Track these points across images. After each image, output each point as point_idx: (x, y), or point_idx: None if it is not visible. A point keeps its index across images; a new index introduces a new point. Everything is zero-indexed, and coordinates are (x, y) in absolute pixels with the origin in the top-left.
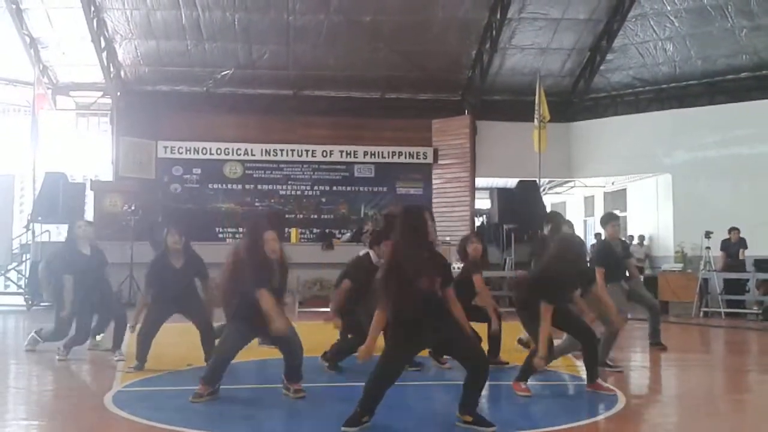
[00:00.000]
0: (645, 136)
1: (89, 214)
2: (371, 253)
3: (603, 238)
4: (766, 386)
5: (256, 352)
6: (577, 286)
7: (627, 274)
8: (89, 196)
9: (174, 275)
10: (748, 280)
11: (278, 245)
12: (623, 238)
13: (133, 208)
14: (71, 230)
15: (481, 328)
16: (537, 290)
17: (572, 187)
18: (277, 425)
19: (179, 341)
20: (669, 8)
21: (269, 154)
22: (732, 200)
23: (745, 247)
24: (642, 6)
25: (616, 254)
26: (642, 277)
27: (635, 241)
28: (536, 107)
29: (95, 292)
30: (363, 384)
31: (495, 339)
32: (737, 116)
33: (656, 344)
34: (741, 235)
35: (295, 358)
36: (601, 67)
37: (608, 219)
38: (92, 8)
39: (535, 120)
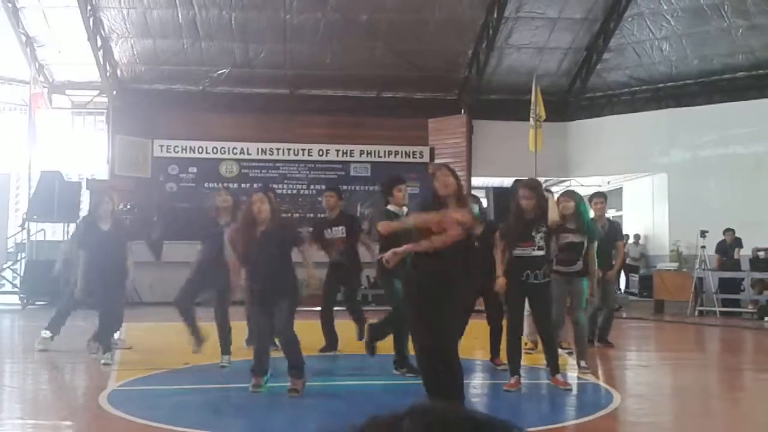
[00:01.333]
0: (641, 135)
1: (84, 213)
2: (390, 206)
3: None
4: (760, 385)
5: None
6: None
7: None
8: (85, 195)
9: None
10: (743, 279)
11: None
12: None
13: (128, 206)
14: (95, 205)
15: (482, 328)
16: None
17: (568, 187)
18: (272, 423)
19: (176, 340)
20: (665, 7)
21: (265, 153)
22: (728, 199)
23: (741, 246)
24: (638, 5)
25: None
26: (636, 276)
27: (631, 240)
28: (532, 106)
29: (110, 270)
30: (358, 383)
31: (495, 338)
32: (733, 115)
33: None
34: (736, 235)
35: (288, 354)
36: (598, 67)
37: (591, 197)
38: (89, 7)
39: (531, 119)
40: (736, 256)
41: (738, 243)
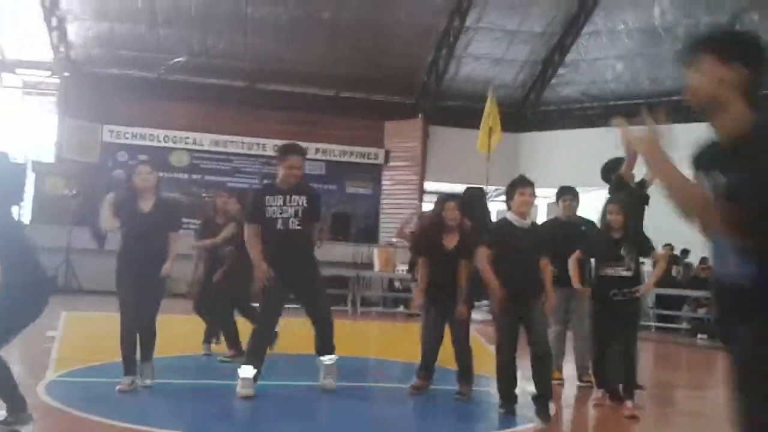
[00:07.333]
0: (591, 150)
1: (29, 196)
2: (510, 215)
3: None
4: (691, 402)
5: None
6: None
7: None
8: (30, 178)
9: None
10: (684, 297)
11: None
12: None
13: (74, 192)
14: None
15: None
16: None
17: None
18: (213, 418)
19: (116, 330)
20: (622, 27)
21: (218, 145)
22: (668, 218)
23: (677, 264)
24: (596, 23)
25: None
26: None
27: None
28: (485, 116)
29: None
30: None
31: None
32: (680, 136)
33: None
34: (676, 253)
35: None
36: (552, 81)
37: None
38: None
39: (482, 124)
40: (674, 273)
41: (676, 260)
